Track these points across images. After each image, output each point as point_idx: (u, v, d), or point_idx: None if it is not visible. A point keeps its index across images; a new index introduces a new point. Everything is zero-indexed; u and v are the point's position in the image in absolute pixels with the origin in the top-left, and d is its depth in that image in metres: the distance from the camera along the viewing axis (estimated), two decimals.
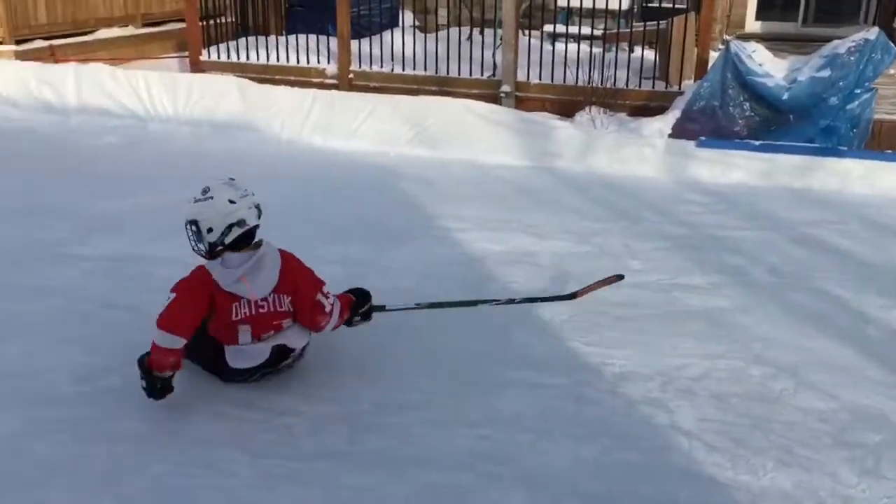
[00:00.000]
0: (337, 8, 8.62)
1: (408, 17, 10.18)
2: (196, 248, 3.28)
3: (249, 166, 6.75)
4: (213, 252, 3.22)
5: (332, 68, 8.85)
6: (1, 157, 6.90)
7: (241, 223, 3.20)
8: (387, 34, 9.02)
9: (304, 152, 7.26)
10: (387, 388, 3.46)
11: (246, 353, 3.31)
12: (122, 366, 3.52)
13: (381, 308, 3.77)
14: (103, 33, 10.80)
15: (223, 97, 7.85)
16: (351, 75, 8.72)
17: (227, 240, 3.19)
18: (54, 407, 3.25)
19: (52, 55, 9.51)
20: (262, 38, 9.50)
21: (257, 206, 3.27)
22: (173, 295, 3.15)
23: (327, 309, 3.41)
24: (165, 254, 4.58)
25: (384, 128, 7.41)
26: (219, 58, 9.29)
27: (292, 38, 9.26)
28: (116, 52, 10.50)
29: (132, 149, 7.20)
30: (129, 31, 11.28)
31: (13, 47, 9.41)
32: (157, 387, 3.13)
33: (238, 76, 8.43)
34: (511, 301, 4.08)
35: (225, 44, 9.43)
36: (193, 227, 3.22)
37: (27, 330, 3.83)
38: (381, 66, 8.73)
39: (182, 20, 11.46)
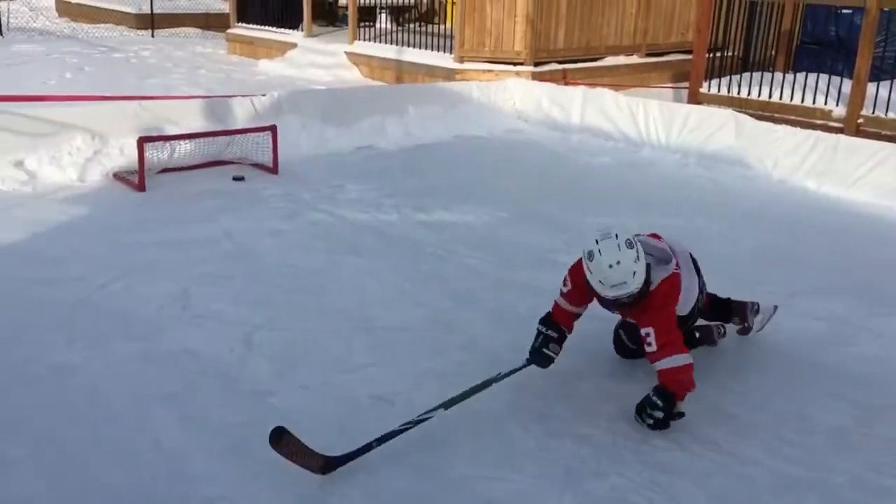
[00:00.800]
0: (859, 47, 7.99)
1: None
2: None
3: (737, 198, 6.65)
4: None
5: (839, 111, 8.24)
6: (509, 167, 7.71)
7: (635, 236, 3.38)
8: None
9: (795, 195, 6.86)
10: (866, 463, 3.10)
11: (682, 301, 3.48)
12: (590, 373, 3.71)
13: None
14: (609, 60, 11.54)
15: (717, 130, 7.78)
16: (861, 120, 8.02)
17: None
18: (528, 398, 3.50)
19: (563, 78, 10.39)
20: (766, 75, 9.24)
21: None
22: (650, 330, 3.24)
23: None
24: None
25: (893, 180, 6.67)
26: (718, 91, 9.25)
27: (799, 76, 8.84)
28: (618, 79, 11.10)
29: (622, 170, 7.51)
30: (633, 59, 11.86)
31: (531, 68, 10.50)
32: (675, 418, 3.25)
33: (736, 110, 8.29)
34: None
35: (727, 77, 9.35)
36: (644, 276, 3.28)
37: (516, 322, 4.18)
38: None
39: (682, 52, 11.72)
